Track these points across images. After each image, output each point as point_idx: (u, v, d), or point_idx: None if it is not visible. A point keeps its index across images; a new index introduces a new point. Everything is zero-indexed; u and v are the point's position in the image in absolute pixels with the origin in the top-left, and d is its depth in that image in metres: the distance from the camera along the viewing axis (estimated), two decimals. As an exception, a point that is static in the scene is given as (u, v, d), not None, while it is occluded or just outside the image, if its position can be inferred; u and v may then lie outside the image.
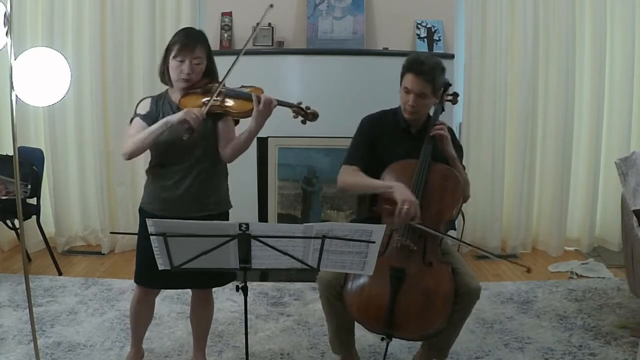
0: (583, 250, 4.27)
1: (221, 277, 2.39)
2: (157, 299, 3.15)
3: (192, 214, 2.25)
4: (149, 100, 2.34)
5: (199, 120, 2.14)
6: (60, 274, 3.71)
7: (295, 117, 2.25)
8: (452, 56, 3.92)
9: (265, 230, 1.76)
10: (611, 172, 3.83)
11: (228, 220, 2.42)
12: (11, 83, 2.08)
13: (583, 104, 4.23)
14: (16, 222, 3.68)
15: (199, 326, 2.56)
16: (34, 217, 3.71)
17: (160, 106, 2.31)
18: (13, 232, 3.91)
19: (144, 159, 2.45)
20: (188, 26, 2.58)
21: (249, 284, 1.87)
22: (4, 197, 3.50)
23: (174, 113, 2.25)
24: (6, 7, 2.07)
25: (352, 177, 2.39)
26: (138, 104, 2.35)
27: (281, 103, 2.21)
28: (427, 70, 2.31)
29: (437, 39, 3.94)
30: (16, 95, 2.12)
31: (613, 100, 4.20)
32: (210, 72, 2.32)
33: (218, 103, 2.23)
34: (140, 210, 2.38)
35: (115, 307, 3.20)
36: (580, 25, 4.13)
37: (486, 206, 4.17)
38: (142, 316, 2.52)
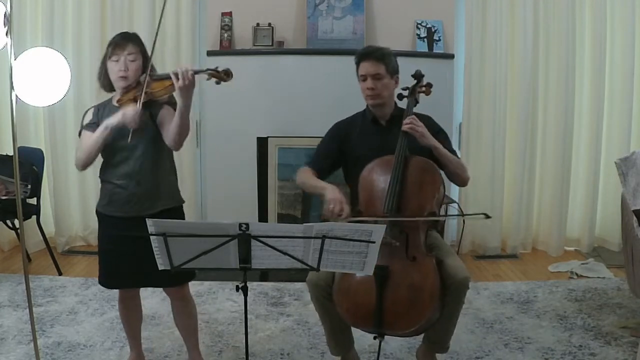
0: (583, 250, 4.27)
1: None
2: (157, 299, 3.18)
3: (147, 211, 2.24)
4: (92, 109, 2.36)
5: (136, 118, 2.16)
6: (60, 274, 3.71)
7: (208, 79, 2.20)
8: (452, 56, 3.92)
9: (266, 230, 1.76)
10: (611, 172, 3.84)
11: (183, 214, 2.44)
12: (11, 83, 2.08)
13: (583, 104, 4.23)
14: (16, 222, 3.68)
15: (185, 327, 2.54)
16: (34, 217, 3.71)
17: (102, 112, 2.32)
18: (13, 232, 3.91)
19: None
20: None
21: (249, 284, 1.87)
22: (4, 197, 3.50)
23: (110, 113, 2.27)
24: (6, 7, 2.07)
25: (302, 177, 2.51)
26: (83, 116, 2.37)
27: (196, 72, 2.16)
28: (374, 51, 2.44)
29: (437, 39, 3.94)
30: (16, 95, 2.11)
31: (613, 100, 4.20)
32: (145, 70, 2.29)
33: (146, 89, 2.22)
34: (97, 212, 2.38)
35: (115, 307, 3.17)
36: (580, 25, 4.13)
37: (486, 206, 4.16)
38: (130, 317, 2.52)
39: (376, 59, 2.40)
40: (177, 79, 2.11)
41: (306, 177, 2.49)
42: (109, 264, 2.36)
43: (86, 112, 2.38)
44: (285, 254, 1.77)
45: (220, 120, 3.95)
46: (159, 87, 2.22)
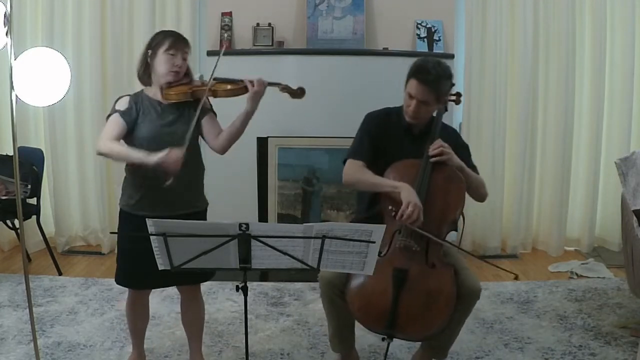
0: (583, 250, 4.27)
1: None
2: (157, 299, 3.18)
3: (179, 211, 2.26)
4: (128, 97, 2.34)
5: (178, 164, 2.12)
6: (60, 274, 3.71)
7: (283, 92, 2.38)
8: (452, 56, 3.92)
9: (266, 230, 1.76)
10: (611, 172, 3.84)
11: (206, 218, 2.45)
12: (11, 83, 2.08)
13: (583, 104, 4.22)
14: (16, 222, 3.68)
15: (192, 327, 2.55)
16: (34, 217, 3.71)
17: (139, 103, 2.30)
18: (13, 232, 3.91)
19: None
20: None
21: (249, 284, 1.87)
22: (4, 197, 3.50)
23: (154, 109, 2.28)
24: (6, 7, 2.08)
25: (358, 172, 2.36)
26: (116, 101, 2.34)
27: (270, 83, 2.33)
28: (432, 80, 2.27)
29: (437, 39, 3.94)
30: (16, 95, 2.12)
31: (613, 100, 4.20)
32: (188, 73, 2.36)
33: (206, 89, 2.28)
34: (122, 212, 2.36)
35: (115, 307, 3.20)
36: (580, 25, 4.12)
37: (486, 206, 4.14)
38: (137, 318, 2.52)
39: (430, 87, 2.26)
40: (253, 85, 2.25)
41: (361, 172, 2.34)
42: (128, 264, 2.34)
43: (120, 98, 2.34)
44: (285, 254, 1.77)
45: (220, 120, 3.93)
46: (230, 87, 2.30)
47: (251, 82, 2.26)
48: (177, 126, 2.28)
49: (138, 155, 2.18)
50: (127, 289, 2.45)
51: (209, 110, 2.39)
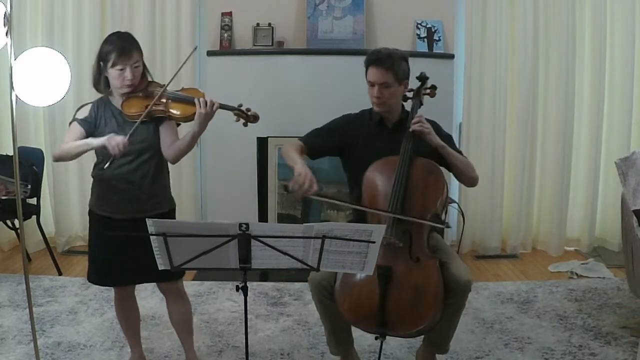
0: (583, 250, 4.27)
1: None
2: (157, 299, 3.18)
3: (143, 214, 2.22)
4: (89, 106, 2.34)
5: (120, 148, 2.15)
6: (60, 274, 3.71)
7: (237, 120, 2.33)
8: (452, 56, 3.92)
9: (265, 230, 1.76)
10: (611, 172, 3.83)
11: (175, 217, 2.46)
12: (11, 83, 2.08)
13: (583, 104, 4.22)
14: (16, 222, 3.68)
15: (180, 325, 2.54)
16: (34, 217, 3.71)
17: (101, 111, 2.31)
18: (13, 232, 3.91)
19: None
20: (117, 30, 2.44)
21: (249, 284, 1.87)
22: (4, 197, 3.50)
23: (115, 118, 2.28)
24: (6, 7, 2.08)
25: (288, 147, 2.43)
26: (78, 109, 2.35)
27: (222, 106, 2.27)
28: (384, 59, 2.35)
29: (437, 39, 3.94)
30: (16, 95, 2.12)
31: (613, 100, 4.20)
32: (144, 74, 2.33)
33: (161, 107, 2.26)
34: (90, 212, 2.39)
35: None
36: (580, 25, 4.12)
37: (486, 206, 4.17)
38: (127, 316, 2.52)
39: (385, 68, 2.35)
40: (200, 106, 2.19)
41: (291, 148, 2.42)
42: (100, 262, 2.36)
43: (82, 106, 2.36)
44: (285, 254, 1.76)
45: (220, 120, 3.92)
46: (182, 112, 2.26)
47: (199, 101, 2.20)
48: (136, 136, 2.25)
49: (84, 142, 2.23)
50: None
51: (166, 118, 2.34)
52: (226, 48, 3.88)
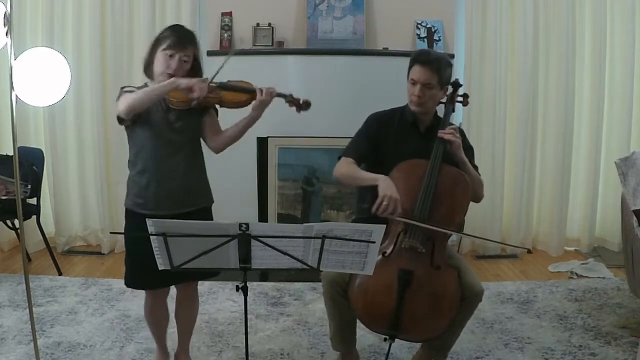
0: (583, 250, 4.27)
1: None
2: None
3: (185, 209, 2.25)
4: (134, 88, 2.30)
5: (204, 89, 2.19)
6: (60, 274, 3.71)
7: (290, 106, 2.40)
8: (452, 56, 3.91)
9: (265, 230, 1.76)
10: (611, 172, 3.84)
11: (211, 214, 2.44)
12: (11, 83, 2.08)
13: (583, 104, 4.22)
14: (16, 222, 3.68)
15: (185, 323, 2.54)
16: (34, 217, 3.71)
17: None
18: (13, 232, 3.91)
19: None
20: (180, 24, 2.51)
21: (249, 284, 1.87)
22: (4, 197, 3.50)
23: (160, 106, 2.25)
24: (6, 7, 2.08)
25: (345, 167, 2.40)
26: (122, 88, 2.31)
27: (279, 94, 2.35)
28: (433, 60, 2.33)
29: (437, 39, 3.94)
30: (16, 95, 2.12)
31: (613, 100, 4.20)
32: (195, 74, 2.32)
33: (212, 94, 2.27)
34: (127, 212, 2.34)
35: (115, 307, 3.20)
36: (580, 25, 4.12)
37: (486, 206, 4.16)
38: (157, 320, 2.49)
39: (432, 69, 2.32)
40: (262, 94, 2.27)
41: (349, 168, 2.37)
42: (137, 265, 2.30)
43: (126, 86, 2.33)
44: (285, 254, 1.76)
45: (219, 120, 3.94)
46: (232, 98, 2.30)
47: (260, 90, 2.28)
48: (180, 125, 2.27)
49: (165, 83, 2.18)
50: (129, 288, 2.43)
51: (210, 110, 2.37)
52: (226, 48, 3.88)
